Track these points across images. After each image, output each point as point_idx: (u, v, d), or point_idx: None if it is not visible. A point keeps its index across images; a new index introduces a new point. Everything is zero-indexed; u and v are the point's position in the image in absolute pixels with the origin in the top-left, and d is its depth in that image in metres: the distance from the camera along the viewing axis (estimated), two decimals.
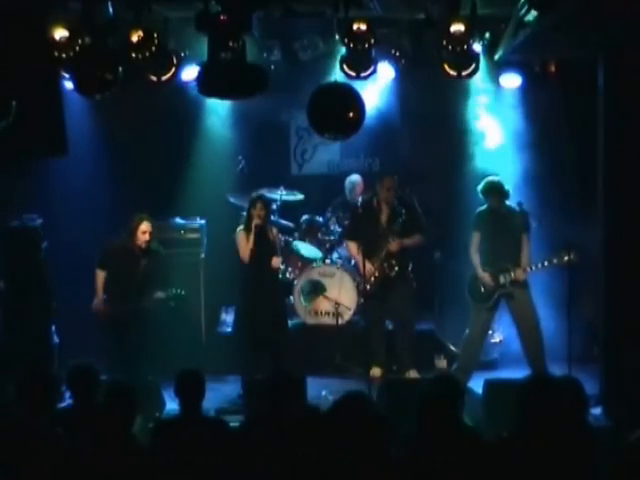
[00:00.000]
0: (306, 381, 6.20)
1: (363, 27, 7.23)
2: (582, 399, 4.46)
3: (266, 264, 7.95)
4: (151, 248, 7.99)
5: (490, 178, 8.01)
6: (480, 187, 7.87)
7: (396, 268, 8.30)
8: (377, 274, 8.29)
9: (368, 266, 8.11)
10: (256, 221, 7.86)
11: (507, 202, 7.86)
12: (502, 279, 7.73)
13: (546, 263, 7.66)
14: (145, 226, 7.89)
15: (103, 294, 8.00)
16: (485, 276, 7.77)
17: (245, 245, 7.88)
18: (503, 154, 9.13)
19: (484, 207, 7.92)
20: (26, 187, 8.47)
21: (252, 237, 7.86)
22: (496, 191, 7.77)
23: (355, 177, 9.55)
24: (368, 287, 8.18)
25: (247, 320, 7.89)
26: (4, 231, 7.88)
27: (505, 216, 7.79)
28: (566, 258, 7.45)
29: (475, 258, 7.87)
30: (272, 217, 8.72)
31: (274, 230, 8.15)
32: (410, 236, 8.31)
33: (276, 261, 7.98)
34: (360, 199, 8.86)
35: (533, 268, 7.71)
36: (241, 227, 7.99)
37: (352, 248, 8.55)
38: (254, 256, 7.88)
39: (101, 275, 8.03)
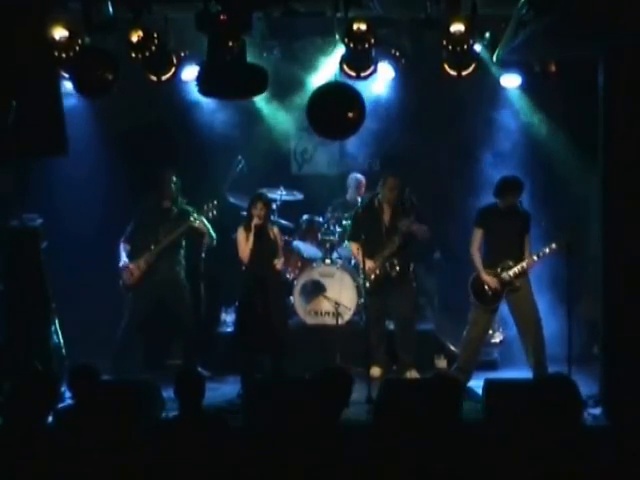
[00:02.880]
0: None
1: (363, 27, 7.24)
2: (576, 398, 4.45)
3: (266, 264, 7.95)
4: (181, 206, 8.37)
5: (506, 177, 7.91)
6: (499, 186, 7.77)
7: (397, 268, 8.28)
8: (378, 272, 8.28)
9: (369, 263, 8.11)
10: (256, 221, 7.86)
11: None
12: (506, 277, 7.70)
13: (547, 250, 7.61)
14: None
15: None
16: (489, 279, 7.72)
17: (244, 245, 7.89)
18: (503, 154, 9.14)
19: (488, 204, 7.89)
20: (26, 187, 8.47)
21: (251, 237, 7.86)
22: (516, 188, 7.70)
23: (359, 175, 9.56)
24: (368, 284, 8.18)
25: (247, 320, 7.89)
26: (4, 231, 7.87)
27: (509, 214, 7.75)
28: (565, 243, 7.44)
29: (476, 257, 7.82)
30: (272, 217, 8.76)
31: (275, 229, 8.15)
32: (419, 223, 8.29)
33: (278, 263, 7.97)
34: (360, 200, 8.85)
35: (536, 258, 7.66)
36: (241, 227, 7.99)
37: (353, 248, 8.54)
38: (254, 256, 7.88)
39: (127, 247, 8.36)
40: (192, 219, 8.19)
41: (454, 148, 9.55)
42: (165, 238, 8.22)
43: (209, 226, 8.35)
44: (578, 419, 4.45)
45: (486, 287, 7.75)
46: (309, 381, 4.87)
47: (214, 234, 8.43)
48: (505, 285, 7.72)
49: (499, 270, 7.71)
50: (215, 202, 8.30)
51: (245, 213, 8.11)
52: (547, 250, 7.63)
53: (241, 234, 7.94)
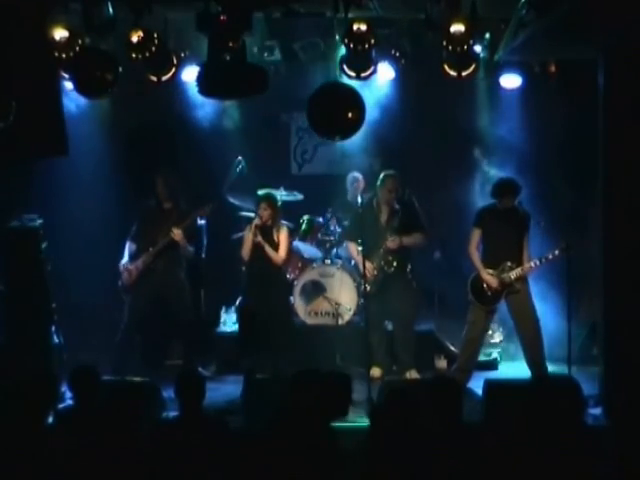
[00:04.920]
0: None
1: (363, 27, 7.23)
2: (579, 399, 4.46)
3: (267, 264, 7.96)
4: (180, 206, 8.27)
5: (503, 178, 7.94)
6: (495, 186, 7.79)
7: (394, 263, 8.24)
8: (376, 272, 8.26)
9: (368, 265, 8.10)
10: (256, 221, 7.89)
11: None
12: (507, 278, 7.69)
13: (550, 256, 7.60)
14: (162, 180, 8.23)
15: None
16: (490, 279, 7.71)
17: (246, 244, 7.93)
18: (503, 154, 9.15)
19: (487, 204, 7.88)
20: (26, 187, 8.47)
21: (250, 236, 7.90)
22: (511, 190, 7.71)
23: (356, 174, 9.56)
24: (368, 288, 8.17)
25: (248, 319, 7.90)
26: (4, 231, 7.88)
27: (508, 214, 7.74)
28: (565, 249, 7.44)
29: (475, 257, 7.82)
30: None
31: (282, 231, 8.15)
32: (409, 235, 8.29)
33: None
34: (360, 199, 8.86)
35: (538, 263, 7.67)
36: (249, 226, 8.05)
37: (352, 249, 8.53)
38: (254, 255, 7.90)
39: (133, 247, 8.30)
40: (174, 232, 8.11)
41: (454, 148, 9.55)
42: (162, 240, 8.21)
43: (185, 243, 8.23)
44: (581, 420, 4.46)
45: (485, 287, 7.75)
46: (308, 383, 4.87)
47: (191, 249, 8.35)
48: (505, 286, 7.71)
49: (500, 271, 7.71)
50: (210, 205, 8.26)
51: (244, 213, 8.12)
52: (550, 256, 7.62)
53: (246, 233, 7.98)
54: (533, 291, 7.84)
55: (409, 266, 8.45)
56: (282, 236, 8.13)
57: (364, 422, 6.62)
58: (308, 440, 4.52)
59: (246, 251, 7.92)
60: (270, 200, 8.05)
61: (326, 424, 4.66)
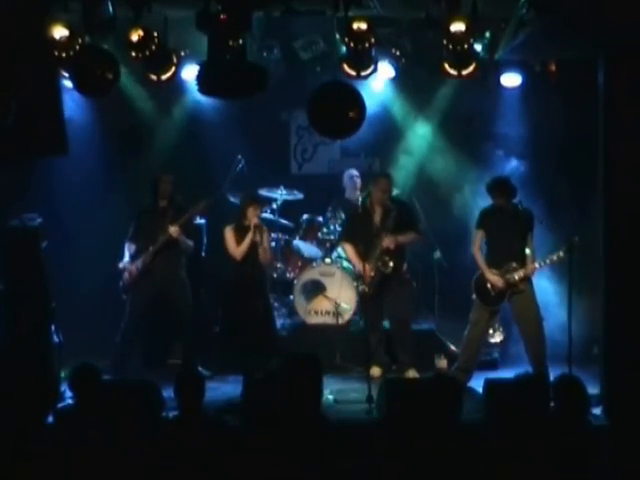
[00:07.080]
0: None
1: (363, 26, 7.24)
2: (583, 398, 4.46)
3: (258, 263, 7.98)
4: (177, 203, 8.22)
5: (497, 176, 7.98)
6: (487, 185, 7.82)
7: (390, 264, 8.17)
8: (373, 274, 8.23)
9: (365, 266, 8.10)
10: (255, 221, 7.88)
11: (513, 201, 7.79)
12: (512, 279, 7.68)
13: (555, 257, 7.60)
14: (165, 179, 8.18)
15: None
16: (495, 279, 7.70)
17: (236, 245, 7.92)
18: (504, 152, 9.15)
19: (489, 205, 7.88)
20: (26, 187, 8.47)
21: (250, 236, 7.89)
22: (504, 189, 7.72)
23: (352, 171, 9.55)
24: (367, 289, 8.15)
25: (233, 319, 7.91)
26: (4, 231, 7.87)
27: (511, 215, 7.73)
28: (569, 250, 7.44)
29: (479, 258, 7.81)
30: (272, 217, 8.84)
31: (265, 231, 8.18)
32: (404, 234, 8.26)
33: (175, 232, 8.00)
34: (360, 198, 8.85)
35: (542, 264, 7.67)
36: (231, 226, 8.00)
37: (348, 250, 8.46)
38: (248, 255, 7.93)
39: (132, 247, 8.26)
40: (172, 229, 8.09)
41: (454, 147, 9.55)
42: (162, 238, 8.19)
43: (184, 238, 8.21)
44: (585, 419, 4.46)
45: (489, 287, 7.74)
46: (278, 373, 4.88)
47: (191, 243, 8.33)
48: (510, 286, 7.70)
49: (504, 271, 7.70)
50: (206, 202, 8.23)
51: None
52: (555, 257, 7.59)
53: (230, 233, 7.96)
54: (536, 291, 7.83)
55: (405, 265, 8.44)
56: (265, 236, 8.14)
57: (364, 421, 6.68)
58: (307, 439, 4.51)
59: (241, 250, 7.91)
60: (262, 200, 8.07)
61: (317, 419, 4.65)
